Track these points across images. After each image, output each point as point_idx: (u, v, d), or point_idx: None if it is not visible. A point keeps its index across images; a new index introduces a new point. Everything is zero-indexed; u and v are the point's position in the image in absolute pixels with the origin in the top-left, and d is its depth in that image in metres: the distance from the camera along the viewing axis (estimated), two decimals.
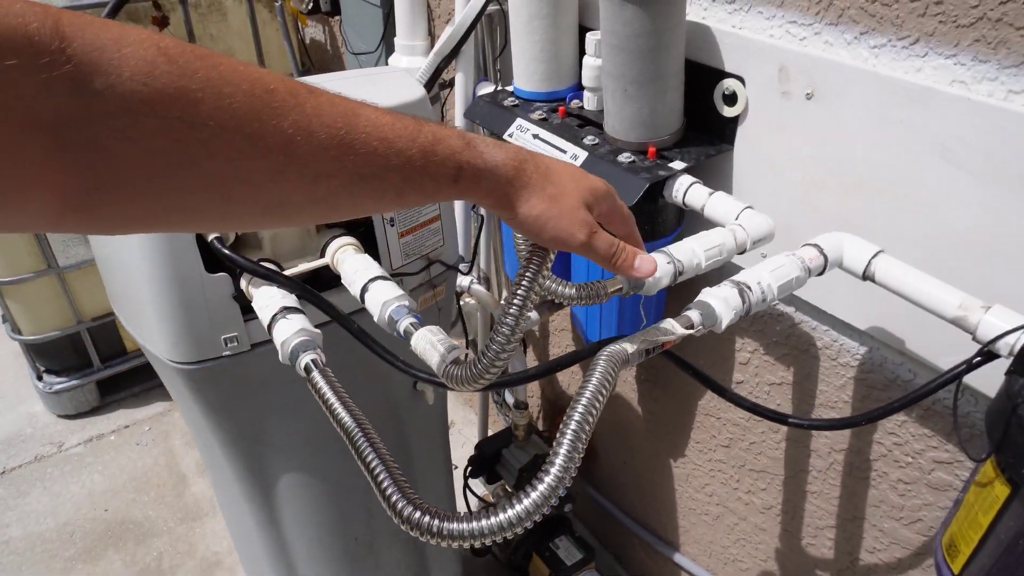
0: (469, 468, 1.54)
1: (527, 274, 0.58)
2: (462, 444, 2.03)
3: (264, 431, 0.93)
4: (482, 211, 1.37)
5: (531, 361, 1.73)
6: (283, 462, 0.96)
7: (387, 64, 1.42)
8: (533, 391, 1.78)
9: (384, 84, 0.88)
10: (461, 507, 1.55)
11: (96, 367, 2.12)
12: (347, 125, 0.42)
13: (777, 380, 1.09)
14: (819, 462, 1.07)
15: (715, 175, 1.01)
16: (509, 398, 1.62)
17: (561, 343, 1.61)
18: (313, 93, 0.42)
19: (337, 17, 1.79)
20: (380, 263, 0.85)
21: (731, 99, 0.94)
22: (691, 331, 0.66)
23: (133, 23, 1.81)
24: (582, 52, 1.07)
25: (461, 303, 1.48)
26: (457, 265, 0.99)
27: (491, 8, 1.25)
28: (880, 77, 0.79)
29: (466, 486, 1.55)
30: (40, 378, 2.11)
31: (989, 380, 0.70)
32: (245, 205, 0.41)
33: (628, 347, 0.62)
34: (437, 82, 1.32)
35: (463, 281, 1.41)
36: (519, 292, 0.57)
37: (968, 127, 0.73)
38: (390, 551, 1.20)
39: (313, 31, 2.22)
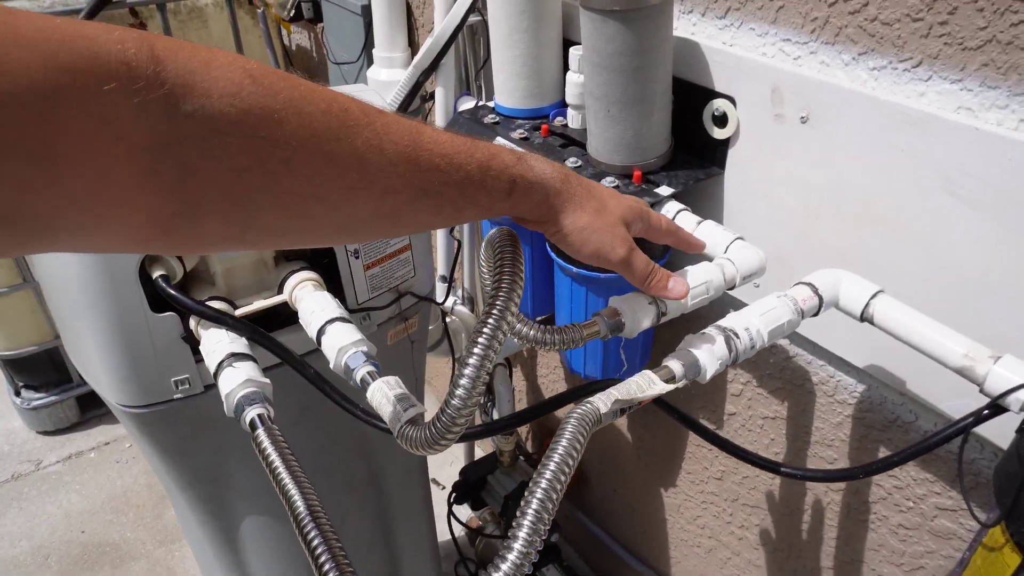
0: (453, 495, 1.49)
1: (488, 322, 0.52)
2: (451, 463, 1.97)
3: (224, 473, 0.87)
4: (459, 235, 1.31)
5: (518, 380, 1.67)
6: (247, 505, 0.90)
7: (367, 74, 1.37)
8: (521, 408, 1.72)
9: None
10: (445, 533, 1.50)
11: (75, 382, 2.07)
12: (412, 143, 0.44)
13: (771, 414, 1.03)
14: (815, 501, 1.02)
15: (705, 199, 0.95)
16: (497, 418, 1.56)
17: (549, 363, 1.55)
18: (381, 113, 0.43)
19: (320, 24, 1.73)
20: (344, 298, 0.80)
21: (721, 120, 0.89)
22: (672, 386, 0.60)
23: None
24: (566, 67, 1.02)
25: (447, 320, 1.42)
26: (432, 295, 0.93)
27: (473, 19, 1.20)
28: (880, 101, 0.73)
29: (450, 513, 1.50)
30: (18, 394, 2.06)
31: (997, 427, 0.64)
32: (318, 221, 0.42)
33: (601, 407, 0.56)
34: (419, 95, 1.26)
35: (448, 302, 1.36)
36: (478, 345, 0.52)
37: (975, 158, 0.67)
38: None
39: (299, 37, 2.17)
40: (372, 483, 1.02)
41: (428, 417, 0.55)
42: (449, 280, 1.33)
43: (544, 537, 0.46)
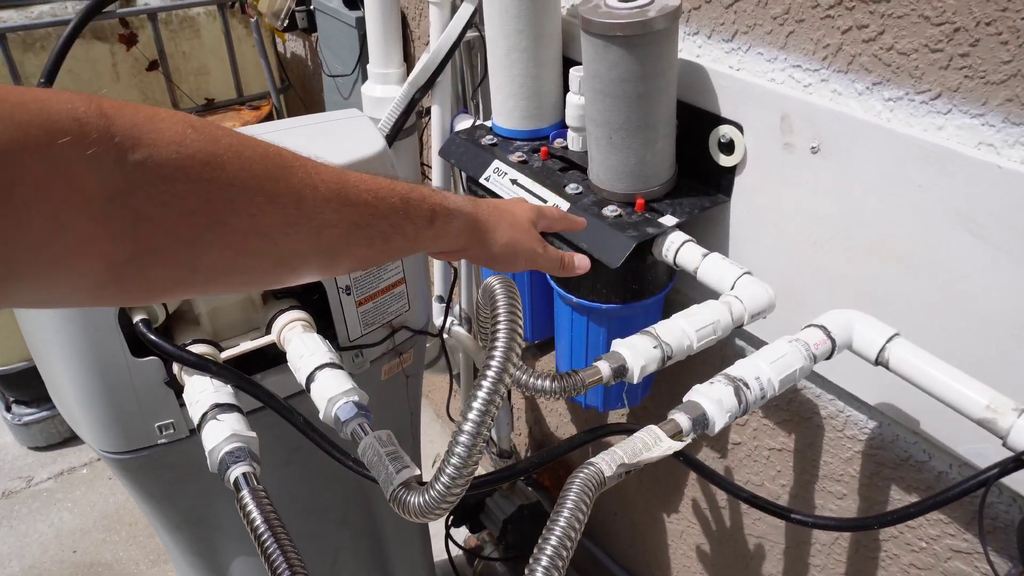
0: (451, 517, 1.45)
1: (484, 384, 0.49)
2: None
3: (212, 515, 0.84)
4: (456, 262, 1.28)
5: (516, 398, 1.64)
6: (236, 546, 0.87)
7: (361, 90, 1.33)
8: (521, 430, 1.70)
9: (343, 134, 0.79)
10: (441, 554, 1.47)
11: None
12: (341, 181, 0.48)
13: (777, 446, 1.00)
14: (823, 536, 0.99)
15: (710, 228, 0.92)
16: (495, 439, 1.53)
17: None
18: (308, 158, 0.47)
19: (315, 35, 1.69)
20: (336, 336, 0.76)
21: (728, 147, 0.86)
22: (680, 444, 0.57)
23: (99, 42, 1.72)
24: (566, 86, 0.98)
25: (444, 337, 1.39)
26: (427, 328, 0.90)
27: (470, 35, 1.16)
28: (895, 134, 0.69)
29: (448, 536, 1.47)
30: (9, 409, 2.02)
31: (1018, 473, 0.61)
32: (261, 258, 0.44)
33: (605, 469, 0.53)
34: (415, 111, 1.23)
35: (446, 322, 1.33)
36: (473, 410, 0.49)
37: (997, 196, 0.64)
38: None
39: (294, 45, 2.13)
40: (367, 517, 0.99)
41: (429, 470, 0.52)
42: (447, 301, 1.30)
43: None
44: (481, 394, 0.48)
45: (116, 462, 0.74)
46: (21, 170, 0.31)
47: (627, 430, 0.80)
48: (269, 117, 1.95)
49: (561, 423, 1.54)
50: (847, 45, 0.73)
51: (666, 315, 1.03)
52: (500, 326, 0.51)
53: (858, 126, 0.72)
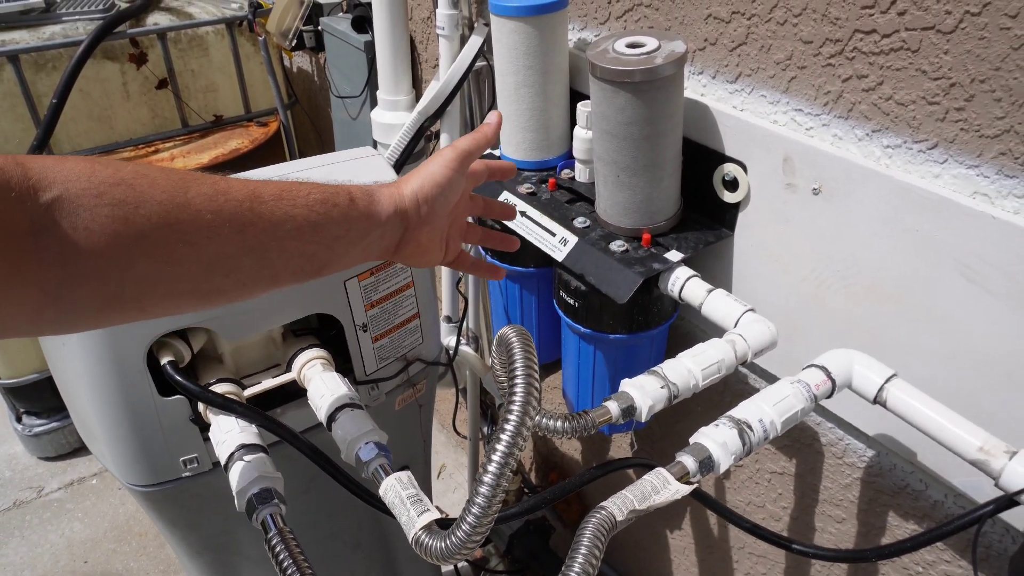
0: None
1: (506, 430, 0.52)
2: (453, 489, 1.97)
3: (234, 542, 0.87)
4: (464, 289, 1.31)
5: None
6: (256, 571, 0.90)
7: (371, 115, 1.36)
8: (526, 445, 1.72)
9: (357, 172, 0.81)
10: (448, 566, 1.50)
11: None
12: (251, 185, 0.51)
13: (779, 470, 1.03)
14: None
15: (715, 261, 0.94)
16: None
17: (554, 400, 1.55)
18: (215, 175, 0.51)
19: (322, 54, 1.72)
20: (353, 371, 0.79)
21: (732, 185, 0.88)
22: (688, 488, 0.60)
23: (110, 61, 1.75)
24: (573, 119, 1.01)
25: (451, 353, 1.42)
26: (439, 359, 0.92)
27: (478, 64, 1.19)
28: (894, 181, 0.72)
29: None
30: (19, 420, 2.05)
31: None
32: (188, 265, 0.47)
33: (616, 514, 0.56)
34: (424, 136, 1.26)
35: (452, 341, 1.36)
36: (493, 462, 0.52)
37: (992, 245, 0.66)
38: None
39: (300, 61, 2.16)
40: (379, 541, 1.02)
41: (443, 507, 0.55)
42: (460, 323, 1.32)
43: None
44: (501, 447, 0.51)
45: (142, 494, 0.77)
46: None
47: (638, 465, 0.83)
48: (277, 133, 1.98)
49: (566, 439, 1.57)
50: (847, 93, 0.75)
51: (671, 342, 1.06)
52: (518, 380, 0.54)
53: (858, 171, 0.75)
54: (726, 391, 1.05)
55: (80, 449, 2.13)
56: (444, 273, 1.35)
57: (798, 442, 0.98)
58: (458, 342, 1.20)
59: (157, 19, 1.80)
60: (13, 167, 0.40)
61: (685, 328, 1.07)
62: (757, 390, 0.81)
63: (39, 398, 2.03)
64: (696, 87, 0.92)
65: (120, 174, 0.44)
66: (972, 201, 0.68)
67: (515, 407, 0.52)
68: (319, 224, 0.54)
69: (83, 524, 1.92)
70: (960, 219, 0.68)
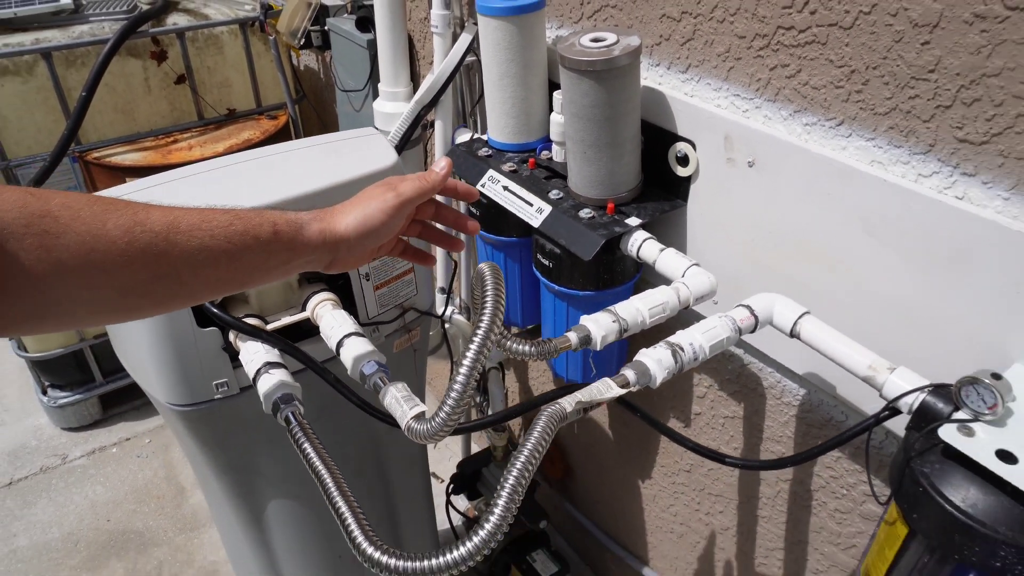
0: (451, 485, 1.63)
1: (475, 337, 0.66)
2: (448, 457, 2.11)
3: (254, 463, 1.01)
4: (456, 257, 1.45)
5: (511, 382, 1.81)
6: (272, 490, 1.04)
7: (373, 106, 1.51)
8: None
9: (360, 150, 0.96)
10: (444, 521, 1.64)
11: (98, 382, 2.21)
12: (172, 214, 0.55)
13: (730, 414, 1.17)
14: (767, 490, 1.16)
15: (671, 228, 1.09)
16: (490, 415, 1.70)
17: (538, 367, 1.69)
18: (145, 203, 0.55)
19: (329, 52, 1.87)
20: (357, 314, 0.94)
21: (684, 160, 1.03)
22: (625, 390, 0.74)
23: (133, 58, 1.90)
24: (551, 107, 1.15)
25: (446, 327, 1.56)
26: (431, 310, 1.07)
27: (469, 59, 1.33)
28: (811, 153, 0.87)
29: (448, 502, 1.64)
30: (45, 392, 2.20)
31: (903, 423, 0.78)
32: (103, 290, 0.52)
33: (567, 406, 0.70)
34: (420, 124, 1.40)
35: (447, 312, 1.50)
36: (466, 360, 0.66)
37: (886, 204, 0.81)
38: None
39: (307, 59, 2.31)
40: (379, 472, 1.16)
41: (429, 414, 0.69)
42: (448, 292, 1.47)
43: (516, 510, 0.60)
44: (476, 339, 0.65)
45: (180, 414, 0.92)
46: None
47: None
48: (285, 125, 2.13)
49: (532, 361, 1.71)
50: (774, 79, 0.90)
51: None
52: (488, 294, 0.68)
53: (784, 146, 0.89)
54: None
55: (101, 421, 2.28)
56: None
57: (745, 387, 1.12)
58: (446, 307, 1.34)
59: (176, 19, 1.95)
60: None
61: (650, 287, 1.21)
62: None
63: (64, 372, 2.17)
64: (655, 77, 1.06)
65: (48, 206, 0.48)
66: (870, 168, 0.82)
67: (487, 312, 0.66)
68: (235, 254, 0.58)
69: (105, 488, 2.07)
70: (862, 183, 0.82)
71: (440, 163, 0.74)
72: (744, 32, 0.91)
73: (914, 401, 0.73)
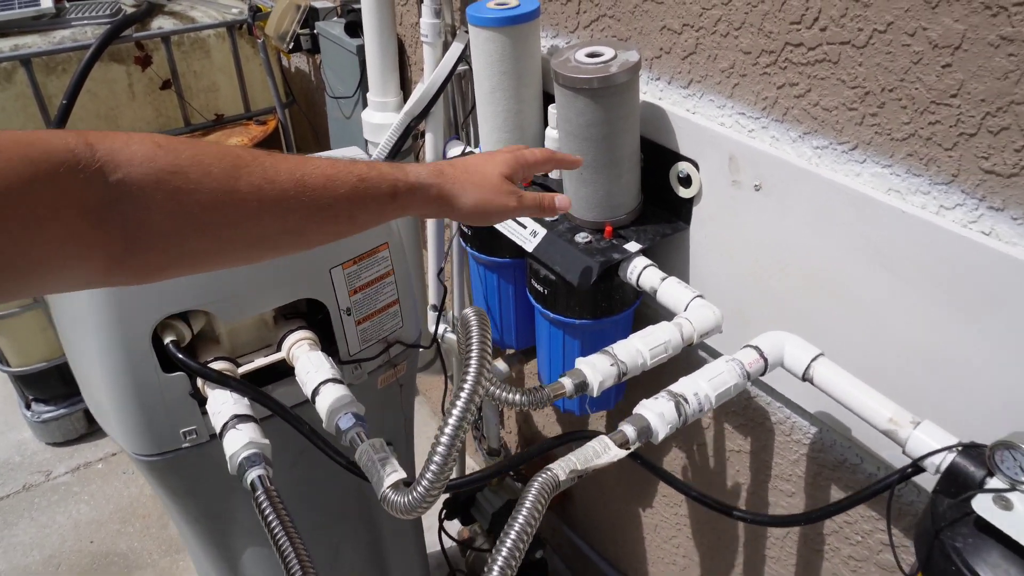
0: (444, 510, 1.57)
1: (457, 403, 0.60)
2: None
3: (228, 510, 0.95)
4: (446, 281, 1.39)
5: None
6: (248, 539, 0.98)
7: (361, 116, 1.44)
8: (511, 428, 1.81)
9: None
10: (435, 545, 1.58)
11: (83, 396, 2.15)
12: (300, 170, 0.56)
13: (736, 448, 1.11)
14: (777, 530, 1.09)
15: (672, 252, 1.02)
16: (485, 437, 1.64)
17: (532, 384, 1.62)
18: (270, 154, 0.56)
19: (318, 56, 1.80)
20: (338, 351, 0.87)
21: (686, 181, 0.96)
22: (625, 452, 0.68)
23: (117, 63, 1.83)
24: (546, 121, 1.09)
25: (439, 341, 1.50)
26: (418, 342, 1.00)
27: (461, 68, 1.26)
28: (822, 179, 0.80)
29: (441, 528, 1.58)
30: (28, 407, 2.14)
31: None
32: (233, 242, 0.54)
33: (560, 474, 0.64)
34: (411, 135, 1.34)
35: (439, 329, 1.43)
36: (448, 428, 0.59)
37: (903, 236, 0.74)
38: None
39: (298, 61, 2.23)
40: (363, 513, 1.10)
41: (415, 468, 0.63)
42: (439, 310, 1.40)
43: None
44: (456, 411, 0.59)
45: (145, 463, 0.85)
46: (40, 195, 0.42)
47: (591, 436, 0.91)
48: (275, 131, 2.06)
49: (547, 422, 1.65)
50: (782, 99, 0.83)
51: (637, 327, 1.14)
52: (473, 351, 0.62)
53: (792, 170, 0.83)
54: (687, 373, 1.12)
55: (86, 435, 2.22)
56: (430, 264, 1.43)
57: (752, 421, 1.05)
58: (437, 325, 1.28)
59: (161, 23, 1.88)
60: (83, 148, 0.45)
61: (649, 315, 1.14)
62: None
63: (48, 386, 2.11)
64: (655, 91, 0.99)
65: (178, 160, 0.49)
66: (887, 197, 0.75)
67: (469, 376, 0.59)
68: (354, 213, 0.61)
69: (89, 506, 2.01)
70: (877, 213, 0.76)
71: (563, 201, 0.78)
72: (749, 48, 0.84)
73: (942, 462, 0.67)
